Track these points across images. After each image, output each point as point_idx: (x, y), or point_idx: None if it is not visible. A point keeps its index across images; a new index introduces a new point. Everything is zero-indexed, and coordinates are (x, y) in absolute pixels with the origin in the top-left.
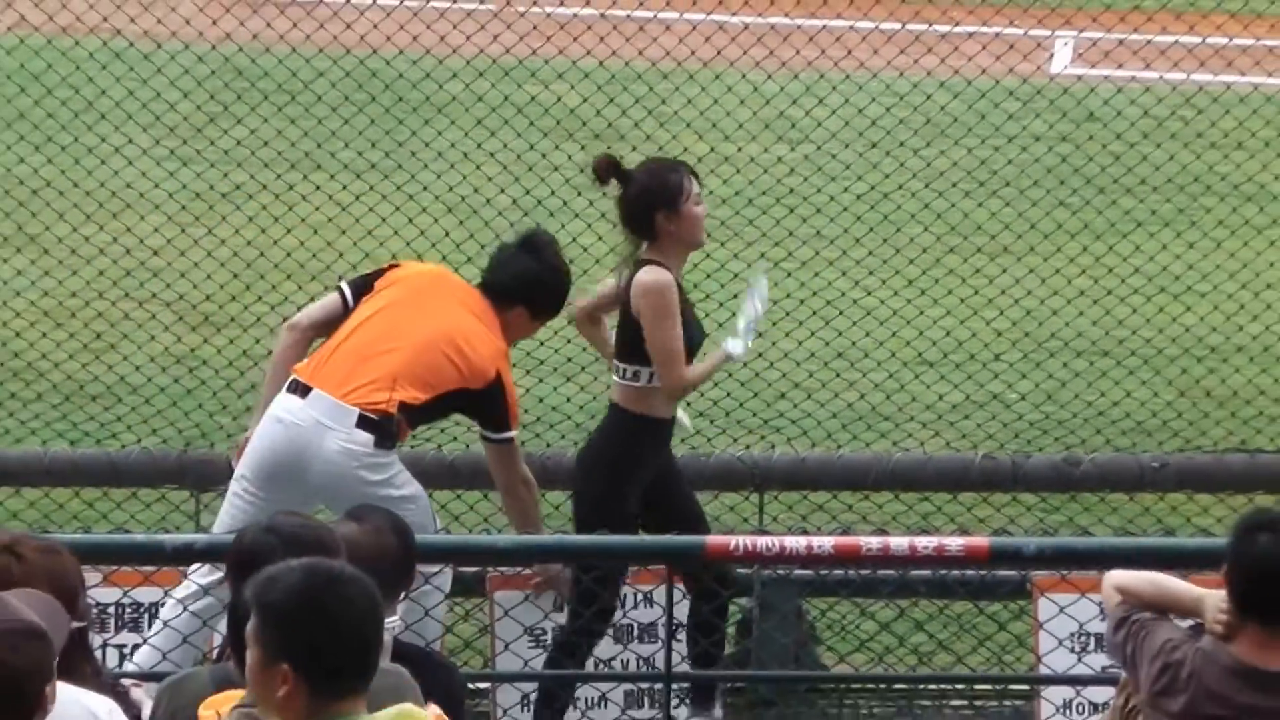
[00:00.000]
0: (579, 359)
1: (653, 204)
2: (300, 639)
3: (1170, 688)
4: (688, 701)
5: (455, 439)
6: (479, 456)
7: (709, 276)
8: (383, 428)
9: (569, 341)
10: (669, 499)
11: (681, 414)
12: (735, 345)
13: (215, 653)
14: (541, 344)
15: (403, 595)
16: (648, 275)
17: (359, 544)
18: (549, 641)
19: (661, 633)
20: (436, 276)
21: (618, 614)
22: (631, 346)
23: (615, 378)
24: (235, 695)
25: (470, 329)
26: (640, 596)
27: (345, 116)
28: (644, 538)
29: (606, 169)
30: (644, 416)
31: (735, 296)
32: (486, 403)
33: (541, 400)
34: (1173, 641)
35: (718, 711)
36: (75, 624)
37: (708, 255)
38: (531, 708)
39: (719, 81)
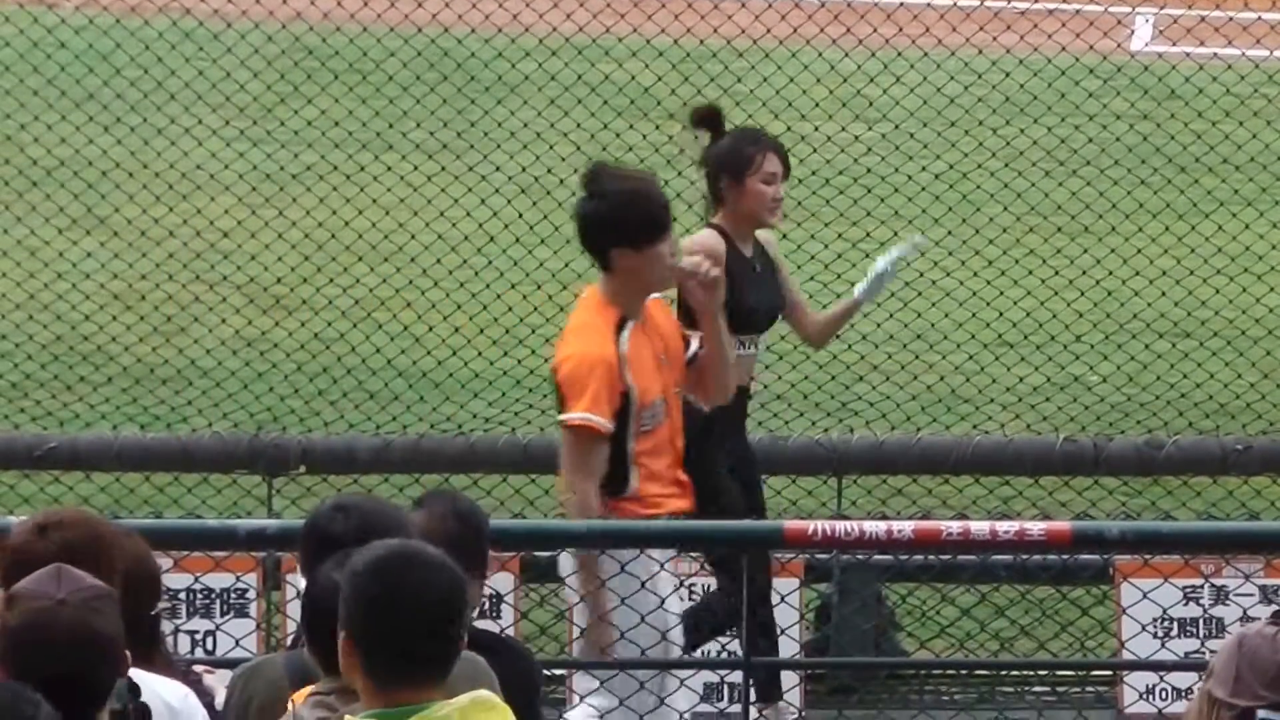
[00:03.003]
0: None
1: (720, 170)
2: (359, 610)
3: None
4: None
5: (529, 422)
6: (552, 440)
7: (786, 258)
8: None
9: None
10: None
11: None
12: (859, 287)
13: (289, 640)
14: None
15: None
16: (698, 235)
17: (422, 531)
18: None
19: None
20: None
21: (695, 603)
22: (688, 311)
23: None
24: None
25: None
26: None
27: (417, 96)
28: (722, 523)
29: (704, 117)
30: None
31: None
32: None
33: None
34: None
35: (782, 703)
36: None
37: (784, 236)
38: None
39: (795, 60)
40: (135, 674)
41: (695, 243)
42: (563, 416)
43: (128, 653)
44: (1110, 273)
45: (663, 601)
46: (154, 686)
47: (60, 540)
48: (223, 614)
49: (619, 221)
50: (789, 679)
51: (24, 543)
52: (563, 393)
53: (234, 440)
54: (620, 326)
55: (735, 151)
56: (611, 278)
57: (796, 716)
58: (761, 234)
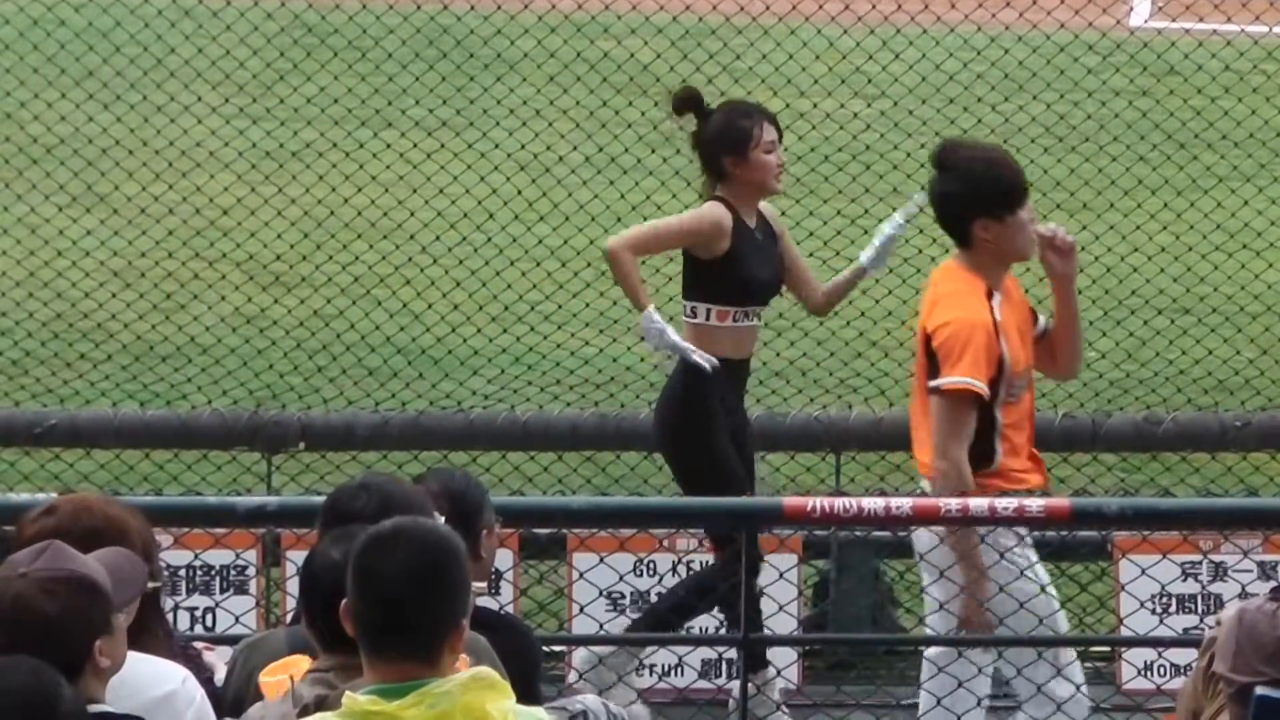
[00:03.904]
0: None
1: (721, 148)
2: (350, 585)
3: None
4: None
5: (528, 399)
6: (550, 417)
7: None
8: None
9: None
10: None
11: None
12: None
13: (289, 616)
14: (615, 303)
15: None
16: (705, 204)
17: None
18: (645, 601)
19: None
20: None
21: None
22: (691, 282)
23: (683, 317)
24: (299, 660)
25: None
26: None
27: (416, 73)
28: (720, 500)
29: (685, 102)
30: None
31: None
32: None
33: (615, 360)
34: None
35: (770, 672)
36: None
37: (783, 213)
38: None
39: (794, 36)
40: (138, 657)
41: (704, 214)
42: (939, 381)
43: (99, 643)
44: (1109, 249)
45: (1025, 575)
46: (156, 669)
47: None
48: (222, 591)
49: (979, 193)
50: (788, 655)
51: (46, 526)
52: (939, 358)
53: (233, 417)
54: (989, 296)
55: (732, 126)
56: (973, 251)
57: (784, 684)
58: (762, 205)
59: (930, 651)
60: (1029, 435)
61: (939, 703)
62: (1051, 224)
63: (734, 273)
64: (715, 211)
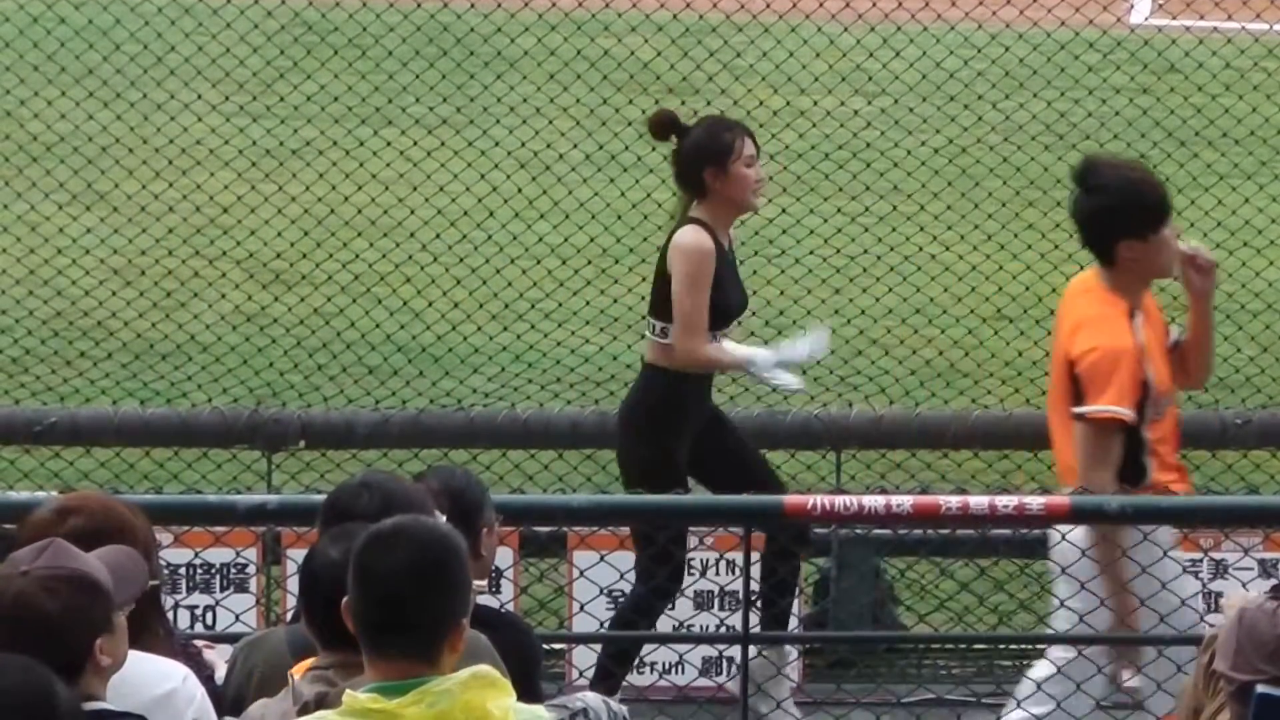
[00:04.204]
0: None
1: (702, 161)
2: (351, 583)
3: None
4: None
5: (528, 397)
6: (551, 415)
7: (785, 232)
8: None
9: (643, 299)
10: (729, 454)
11: (788, 376)
12: (765, 358)
13: (289, 615)
14: (615, 301)
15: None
16: (687, 235)
17: None
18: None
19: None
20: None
21: (695, 578)
22: (664, 302)
23: (647, 334)
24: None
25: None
26: (718, 559)
27: (416, 71)
28: (722, 497)
29: (663, 125)
30: (677, 373)
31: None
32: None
33: (615, 358)
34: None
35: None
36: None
37: (783, 210)
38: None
39: (794, 34)
40: (132, 656)
41: (692, 244)
42: (1085, 409)
43: (100, 642)
44: None
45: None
46: (158, 667)
47: (75, 526)
48: (222, 589)
49: (1124, 213)
50: (788, 653)
51: (43, 524)
52: (1083, 384)
53: (233, 415)
54: (1131, 316)
55: (714, 139)
56: (1115, 270)
57: (788, 683)
58: None
59: (1054, 653)
60: (1175, 445)
61: (1059, 705)
62: (1193, 242)
63: (712, 297)
64: (704, 244)
